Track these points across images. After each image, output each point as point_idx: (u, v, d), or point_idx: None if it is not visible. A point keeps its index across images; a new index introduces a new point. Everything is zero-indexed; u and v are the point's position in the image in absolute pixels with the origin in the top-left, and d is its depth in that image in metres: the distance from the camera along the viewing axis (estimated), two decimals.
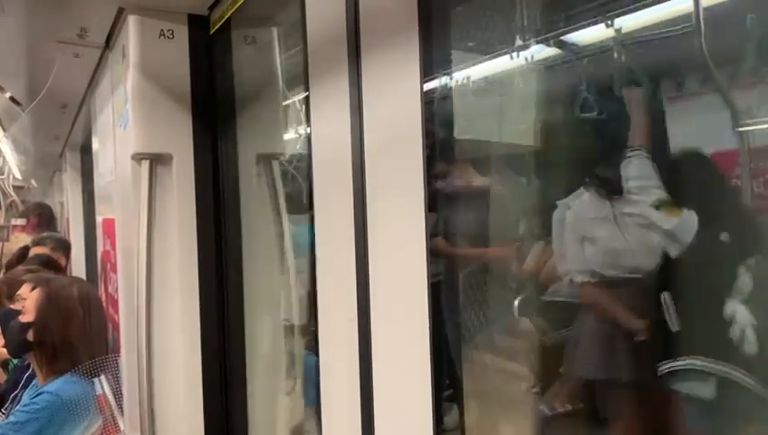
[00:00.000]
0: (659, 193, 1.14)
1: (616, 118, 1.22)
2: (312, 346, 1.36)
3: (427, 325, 0.95)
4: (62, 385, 2.08)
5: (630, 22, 1.14)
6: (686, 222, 1.10)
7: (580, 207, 1.36)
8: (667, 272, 1.16)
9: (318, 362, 1.25)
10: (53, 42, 2.18)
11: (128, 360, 2.04)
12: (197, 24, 1.86)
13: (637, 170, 1.16)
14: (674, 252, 1.12)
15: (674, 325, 1.09)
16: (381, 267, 1.05)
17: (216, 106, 1.91)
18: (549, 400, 1.48)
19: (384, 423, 1.06)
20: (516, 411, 1.58)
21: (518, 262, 1.56)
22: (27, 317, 2.15)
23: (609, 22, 1.19)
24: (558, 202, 1.40)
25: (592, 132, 1.33)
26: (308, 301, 1.61)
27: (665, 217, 1.12)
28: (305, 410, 1.77)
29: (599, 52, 1.28)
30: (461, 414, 1.61)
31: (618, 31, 1.18)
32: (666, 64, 1.21)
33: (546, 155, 1.45)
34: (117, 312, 2.30)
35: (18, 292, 2.25)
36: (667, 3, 1.06)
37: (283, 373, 1.86)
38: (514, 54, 1.45)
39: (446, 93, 1.38)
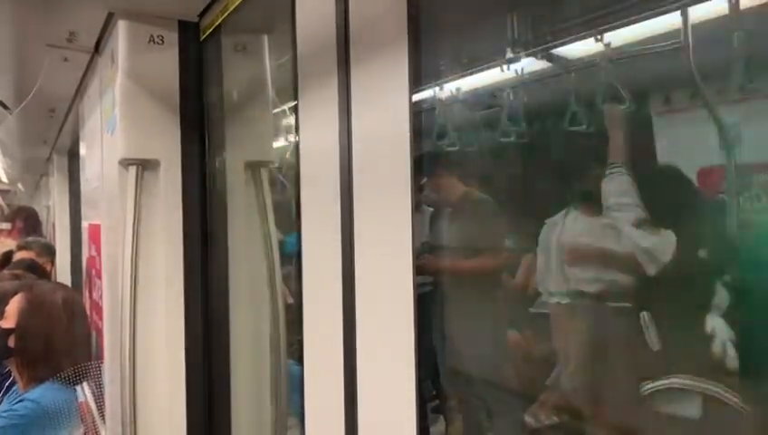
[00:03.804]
0: (639, 211, 1.15)
1: (600, 134, 1.23)
2: (297, 356, 1.35)
3: (413, 335, 0.95)
4: (44, 392, 2.05)
5: (615, 38, 1.16)
6: (665, 241, 1.11)
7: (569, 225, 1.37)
8: (647, 290, 1.16)
9: (302, 371, 1.24)
10: (42, 45, 2.17)
11: (111, 367, 2.02)
12: (187, 30, 1.86)
13: (617, 187, 1.17)
14: (652, 271, 1.12)
15: (654, 345, 1.09)
16: (368, 277, 1.04)
17: (204, 113, 1.91)
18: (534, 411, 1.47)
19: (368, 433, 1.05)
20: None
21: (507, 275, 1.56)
22: (8, 323, 2.12)
23: (598, 36, 1.20)
24: (546, 220, 1.40)
25: (577, 147, 1.34)
26: (294, 310, 1.60)
27: (643, 235, 1.13)
28: (289, 419, 1.76)
29: (586, 66, 1.29)
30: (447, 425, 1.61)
31: (606, 45, 1.20)
32: (653, 80, 1.22)
33: (533, 167, 1.46)
34: (101, 318, 2.28)
35: None
36: (653, 20, 1.07)
37: (268, 383, 1.84)
38: (504, 67, 1.46)
39: (433, 104, 1.39)
